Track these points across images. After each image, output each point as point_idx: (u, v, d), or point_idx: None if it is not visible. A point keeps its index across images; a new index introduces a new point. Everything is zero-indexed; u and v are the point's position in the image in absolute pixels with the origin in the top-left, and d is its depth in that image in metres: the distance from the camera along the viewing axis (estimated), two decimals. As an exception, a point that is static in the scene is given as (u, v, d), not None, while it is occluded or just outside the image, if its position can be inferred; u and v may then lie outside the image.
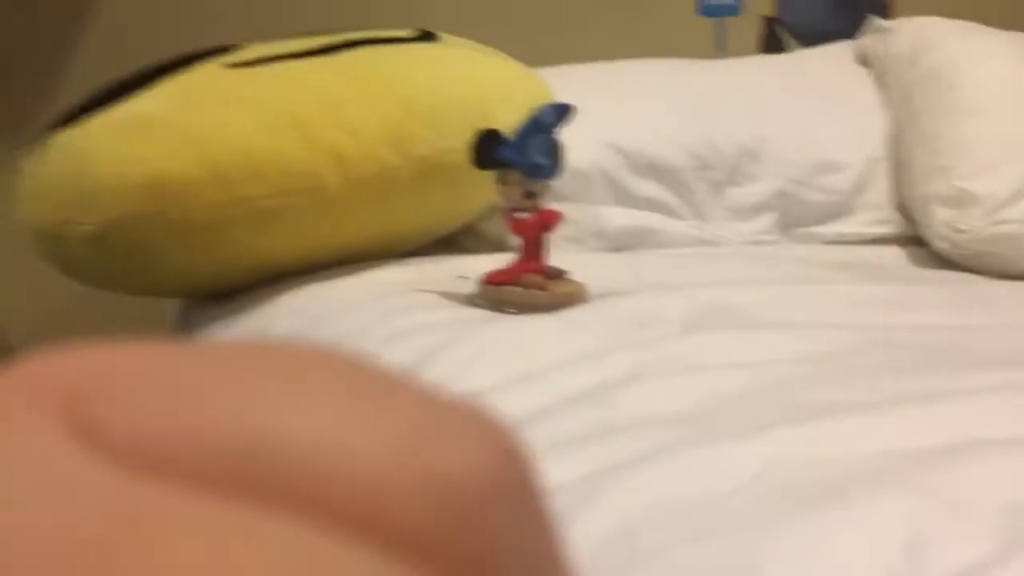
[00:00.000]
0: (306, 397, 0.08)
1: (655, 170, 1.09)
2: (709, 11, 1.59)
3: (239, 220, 0.81)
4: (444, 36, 0.99)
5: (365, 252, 0.88)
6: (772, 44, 1.62)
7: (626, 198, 1.07)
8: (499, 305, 0.69)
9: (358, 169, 0.82)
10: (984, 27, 1.22)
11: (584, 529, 0.32)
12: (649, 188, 1.09)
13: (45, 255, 0.89)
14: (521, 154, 0.68)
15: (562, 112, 0.67)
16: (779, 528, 0.30)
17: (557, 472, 0.38)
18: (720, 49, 1.59)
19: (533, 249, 0.71)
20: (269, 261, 0.85)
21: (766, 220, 1.13)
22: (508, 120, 0.75)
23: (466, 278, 0.80)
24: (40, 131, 0.89)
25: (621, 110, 1.13)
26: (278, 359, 0.09)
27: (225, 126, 0.80)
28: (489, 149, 0.70)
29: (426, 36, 0.97)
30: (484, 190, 0.91)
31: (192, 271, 0.85)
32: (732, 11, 1.61)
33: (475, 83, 0.88)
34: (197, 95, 0.84)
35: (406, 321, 0.65)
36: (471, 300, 0.72)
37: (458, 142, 0.85)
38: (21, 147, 0.91)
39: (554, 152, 0.71)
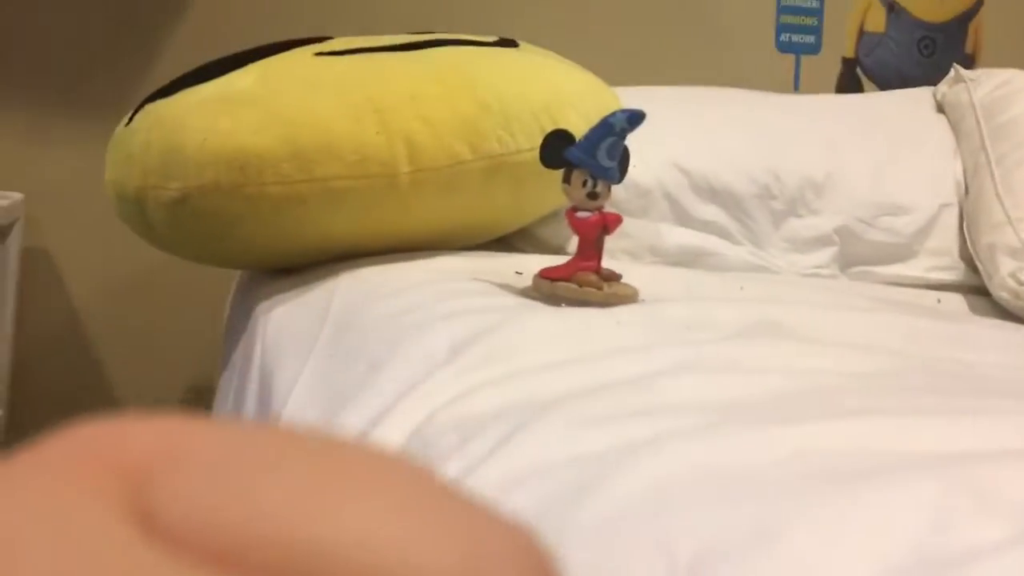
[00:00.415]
0: (365, 503, 0.08)
1: (717, 194, 1.10)
2: (788, 48, 1.60)
3: (312, 198, 0.84)
4: (524, 44, 1.03)
5: (427, 241, 0.91)
6: (850, 85, 1.62)
7: (686, 219, 1.09)
8: (552, 300, 0.71)
9: (430, 159, 0.85)
10: (1066, 83, 1.21)
11: (616, 488, 0.33)
12: (709, 211, 1.10)
13: (126, 218, 0.94)
14: (589, 155, 0.71)
15: (634, 118, 0.69)
16: (809, 499, 0.31)
17: (594, 442, 0.40)
18: (796, 86, 1.60)
19: (590, 249, 0.73)
20: (335, 240, 0.88)
21: (825, 255, 1.13)
22: (578, 127, 0.77)
23: (520, 273, 0.82)
24: (135, 102, 0.94)
25: (690, 132, 1.14)
26: (342, 458, 0.08)
27: (308, 108, 0.84)
28: (558, 148, 0.72)
29: (506, 43, 1.01)
30: (547, 194, 0.94)
31: (262, 243, 0.89)
32: (812, 50, 1.61)
33: (549, 89, 0.91)
34: (285, 77, 0.89)
35: (460, 303, 0.67)
36: (525, 293, 0.74)
37: (527, 143, 0.87)
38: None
39: (621, 156, 0.72)
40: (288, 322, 0.77)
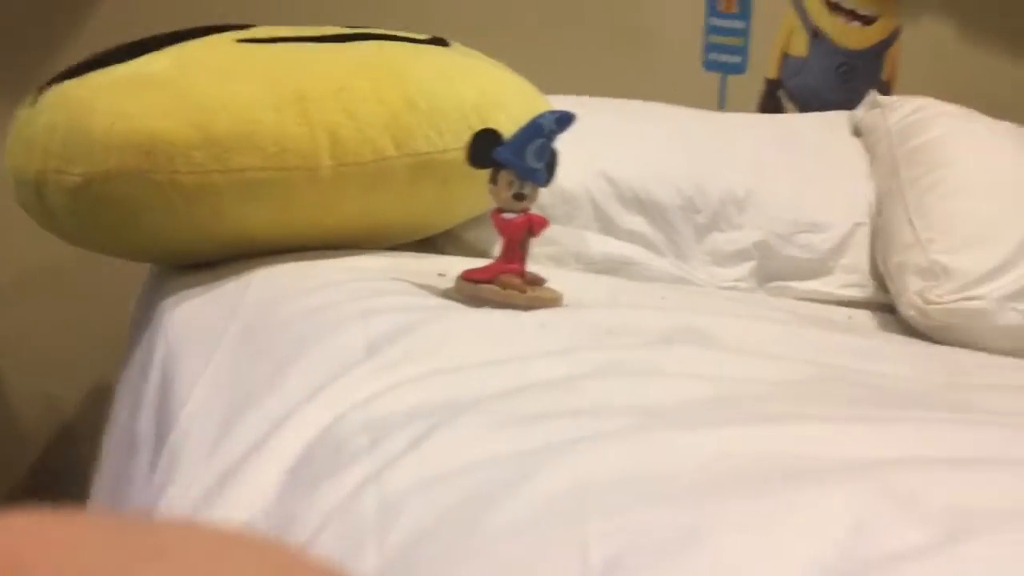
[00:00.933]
0: None
1: (642, 205, 1.10)
2: (715, 67, 1.63)
3: (227, 189, 0.81)
4: (455, 44, 1.01)
5: (348, 240, 0.88)
6: (772, 105, 1.66)
7: (611, 227, 1.09)
8: (475, 302, 0.69)
9: (353, 154, 0.82)
10: (975, 113, 1.27)
11: (537, 487, 0.32)
12: (635, 221, 1.10)
13: (26, 205, 0.88)
14: (517, 156, 0.69)
15: (563, 120, 0.68)
16: (733, 502, 0.31)
17: (514, 442, 0.38)
18: (721, 104, 1.63)
19: (515, 251, 0.71)
20: (250, 235, 0.85)
21: (744, 269, 1.14)
22: (507, 129, 0.76)
23: (443, 275, 0.80)
24: (42, 82, 0.89)
25: (618, 142, 1.15)
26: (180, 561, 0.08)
27: (227, 94, 0.81)
28: (486, 147, 0.71)
29: (438, 41, 0.99)
30: (473, 196, 0.92)
31: (172, 235, 0.85)
32: (737, 70, 1.65)
33: (479, 89, 0.89)
34: (202, 62, 0.85)
35: (379, 302, 0.65)
36: (447, 294, 0.72)
37: (455, 142, 0.86)
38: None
39: (549, 159, 0.72)
40: (194, 318, 0.73)
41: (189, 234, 0.85)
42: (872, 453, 0.36)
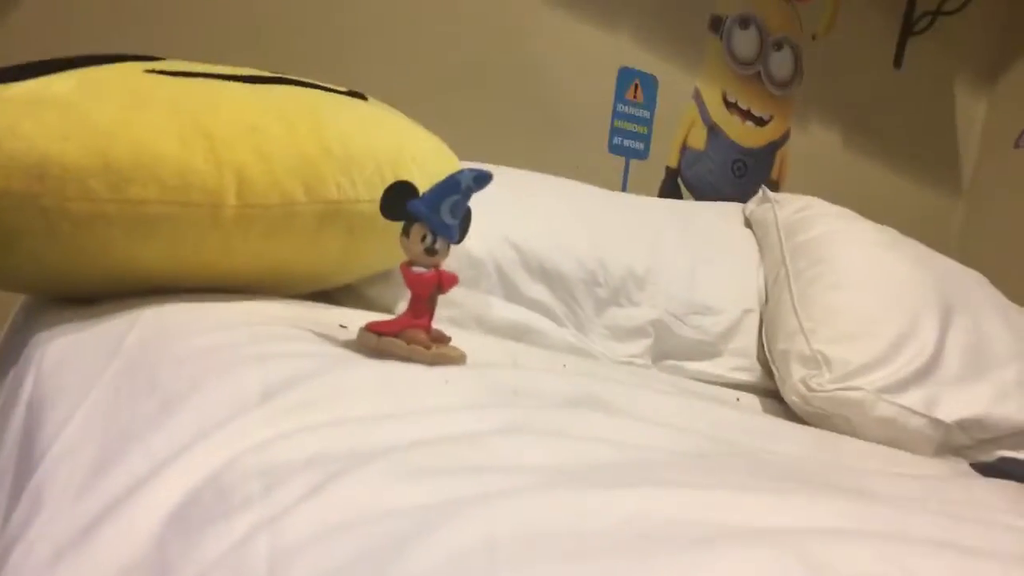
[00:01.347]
0: None
1: (547, 274, 1.11)
2: (619, 151, 1.70)
3: (120, 220, 0.76)
4: (373, 100, 1.01)
5: (247, 285, 0.84)
6: (671, 192, 1.73)
7: (515, 295, 1.09)
8: (377, 355, 0.67)
9: (260, 196, 0.80)
10: (856, 214, 1.36)
11: (444, 540, 0.30)
12: (538, 290, 1.11)
13: None
14: (432, 210, 0.69)
15: (480, 179, 0.69)
16: (644, 563, 0.30)
17: (417, 495, 0.36)
18: (624, 186, 1.69)
19: (423, 306, 0.70)
20: (140, 271, 0.80)
21: (641, 345, 1.17)
22: (420, 185, 0.76)
23: (346, 327, 0.78)
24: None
25: (525, 212, 1.16)
26: None
27: (130, 123, 0.77)
28: (401, 199, 0.70)
29: (355, 94, 0.98)
30: (380, 251, 0.91)
31: (55, 264, 0.79)
32: (640, 155, 1.72)
33: (395, 143, 0.89)
34: (108, 88, 0.81)
35: (277, 347, 0.62)
36: (349, 345, 0.70)
37: (367, 194, 0.85)
38: None
39: (463, 216, 0.71)
40: (71, 353, 0.67)
41: (72, 265, 0.79)
42: (781, 521, 0.36)
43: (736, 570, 0.30)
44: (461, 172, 0.69)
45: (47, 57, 0.84)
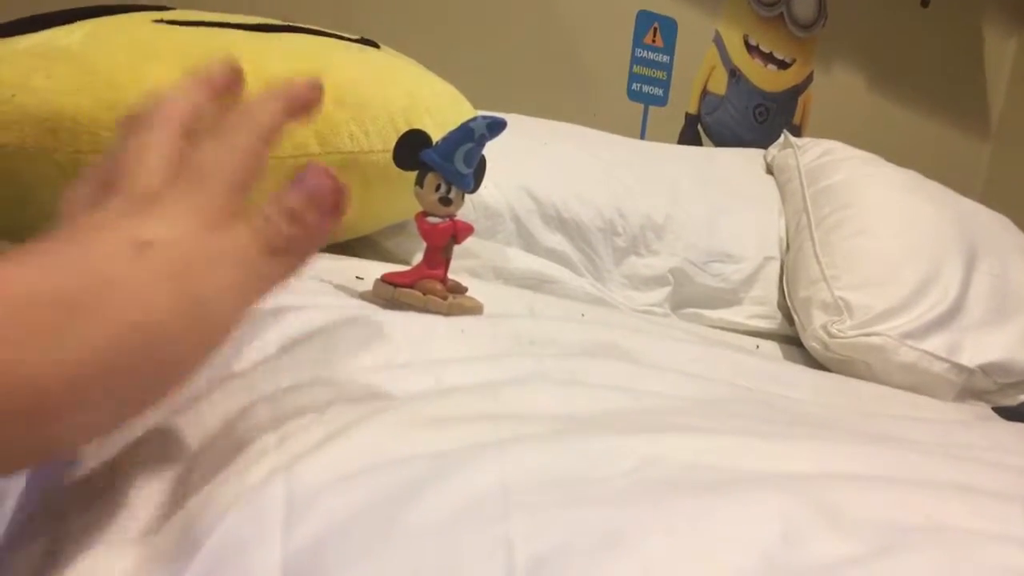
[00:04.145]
0: None
1: (564, 224, 1.11)
2: (638, 98, 1.67)
3: (134, 173, 0.76)
4: (385, 48, 0.99)
5: (262, 237, 0.84)
6: (691, 139, 1.70)
7: (532, 245, 1.09)
8: (393, 305, 0.67)
9: (273, 147, 0.79)
10: (880, 159, 1.33)
11: (458, 486, 0.30)
12: (556, 240, 1.10)
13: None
14: (445, 159, 0.68)
15: (494, 126, 0.67)
16: (658, 507, 0.30)
17: (433, 442, 0.36)
18: (642, 134, 1.66)
19: (438, 257, 0.70)
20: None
21: (660, 294, 1.16)
22: (433, 134, 0.75)
23: (362, 279, 0.78)
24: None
25: (542, 161, 1.15)
26: None
27: (141, 74, 0.76)
28: (414, 149, 0.69)
29: (367, 43, 0.97)
30: (395, 202, 0.90)
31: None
32: (659, 102, 1.69)
33: (408, 92, 0.88)
34: (117, 39, 0.80)
35: (292, 300, 0.62)
36: (365, 296, 0.69)
37: (380, 144, 0.84)
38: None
39: (478, 165, 0.70)
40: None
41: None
42: (798, 467, 0.36)
43: (748, 516, 0.29)
44: (475, 120, 0.67)
45: (52, 9, 0.84)
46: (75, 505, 0.39)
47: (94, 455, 0.42)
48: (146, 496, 0.38)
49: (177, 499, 0.35)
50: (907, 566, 0.27)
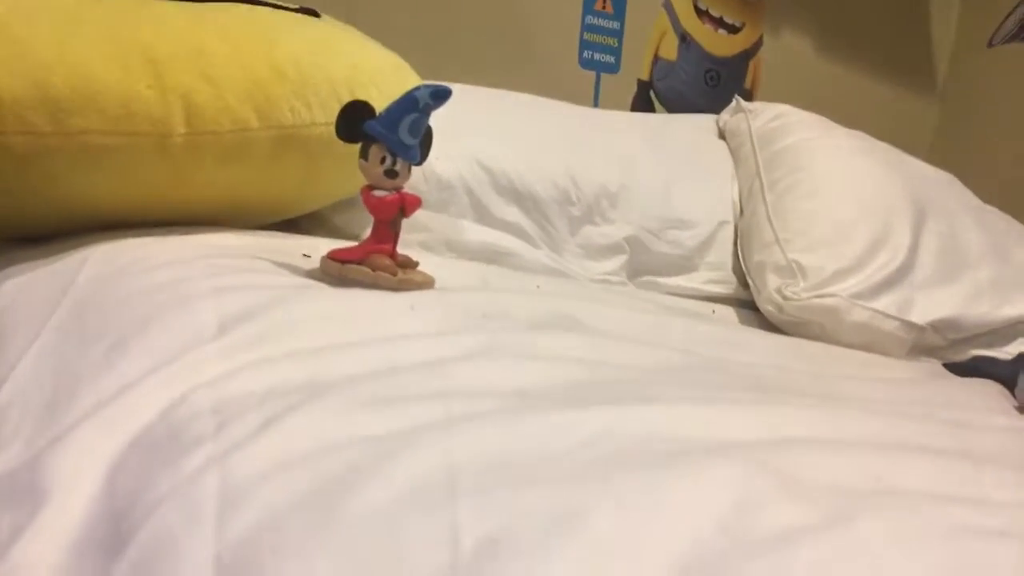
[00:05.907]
0: None
1: (518, 195, 1.09)
2: (590, 65, 1.65)
3: (63, 153, 0.73)
4: (326, 17, 0.96)
5: (205, 216, 0.81)
6: (643, 106, 1.69)
7: (486, 217, 1.07)
8: (341, 283, 0.65)
9: (210, 122, 0.76)
10: (830, 121, 1.33)
11: (402, 469, 0.29)
12: (510, 212, 1.09)
13: None
14: (389, 130, 0.66)
15: (439, 94, 0.65)
16: (610, 482, 0.29)
17: (378, 424, 0.35)
18: (595, 102, 1.65)
19: (386, 231, 0.68)
20: (92, 206, 0.77)
21: (616, 262, 1.15)
22: (378, 106, 0.73)
23: (309, 256, 0.76)
24: None
25: (494, 132, 1.13)
26: None
27: (68, 48, 0.73)
28: (356, 120, 0.67)
29: (308, 12, 0.93)
30: (342, 175, 0.88)
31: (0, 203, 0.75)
32: (611, 69, 1.67)
33: (351, 62, 0.85)
34: (42, 12, 0.76)
35: (234, 279, 0.60)
36: (312, 274, 0.67)
37: (323, 117, 0.81)
38: None
39: (424, 136, 0.69)
40: (20, 295, 0.65)
41: (18, 202, 0.76)
42: (750, 435, 0.35)
43: (701, 486, 0.29)
44: (418, 88, 0.65)
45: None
46: (2, 499, 0.37)
47: (21, 447, 0.40)
48: (76, 488, 0.36)
49: (109, 491, 0.34)
50: (857, 534, 0.26)
